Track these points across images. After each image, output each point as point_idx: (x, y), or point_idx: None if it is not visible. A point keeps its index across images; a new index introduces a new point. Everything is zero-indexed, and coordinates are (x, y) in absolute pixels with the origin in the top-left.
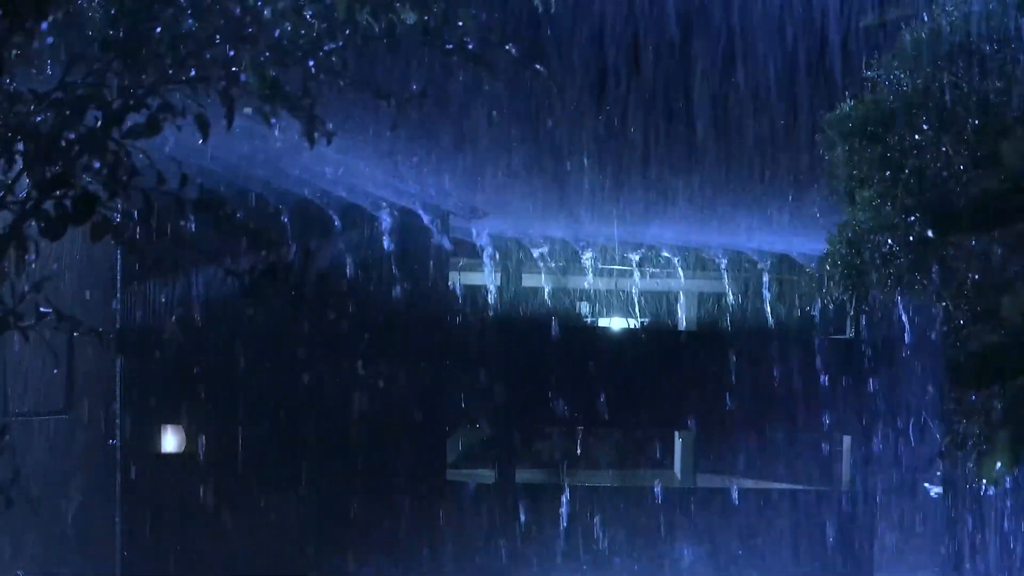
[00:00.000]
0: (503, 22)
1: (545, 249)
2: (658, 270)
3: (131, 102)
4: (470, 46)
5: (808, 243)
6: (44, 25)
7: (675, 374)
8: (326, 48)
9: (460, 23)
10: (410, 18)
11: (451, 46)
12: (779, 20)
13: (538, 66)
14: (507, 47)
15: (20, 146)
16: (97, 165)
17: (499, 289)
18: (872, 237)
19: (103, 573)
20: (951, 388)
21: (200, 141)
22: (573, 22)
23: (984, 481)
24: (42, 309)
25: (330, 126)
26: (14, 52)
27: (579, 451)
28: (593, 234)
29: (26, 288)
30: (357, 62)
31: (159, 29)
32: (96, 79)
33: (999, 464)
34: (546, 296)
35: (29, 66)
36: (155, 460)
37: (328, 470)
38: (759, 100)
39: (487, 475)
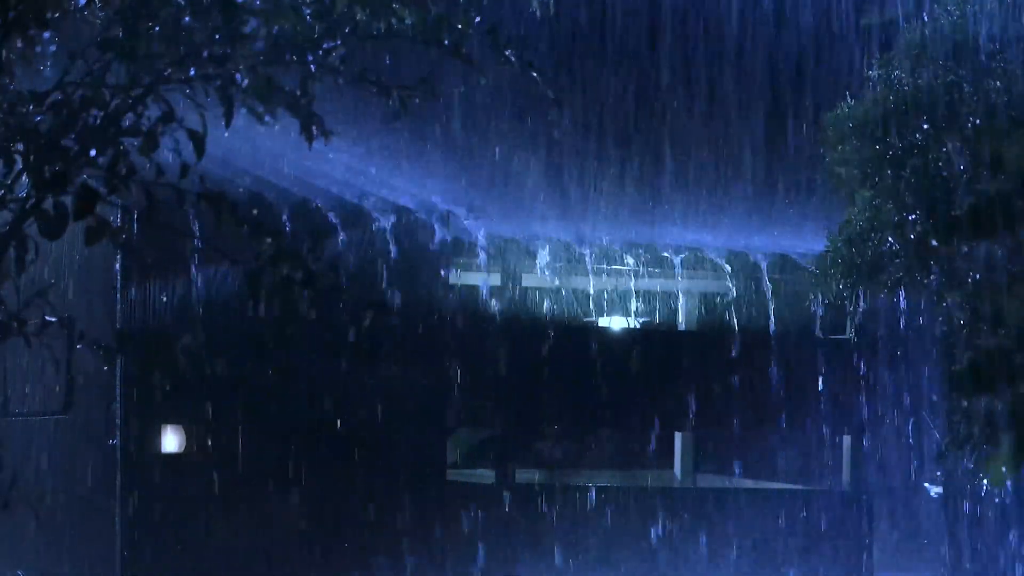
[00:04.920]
0: (503, 23)
1: (545, 249)
2: (658, 270)
3: (130, 101)
4: (468, 46)
5: (808, 243)
6: (45, 26)
7: (675, 374)
8: (325, 47)
9: (459, 25)
10: (409, 18)
11: (448, 43)
12: (779, 19)
13: (535, 73)
14: (507, 52)
15: (20, 146)
16: (95, 156)
17: (499, 289)
18: (872, 236)
19: (103, 573)
20: (952, 389)
21: (196, 158)
22: (574, 22)
23: (986, 483)
24: (47, 318)
25: (330, 125)
26: (13, 53)
27: (579, 451)
28: (593, 234)
29: (29, 294)
30: (356, 60)
31: (158, 29)
32: (95, 79)
33: (1002, 468)
34: (546, 296)
35: (29, 66)
36: (155, 460)
37: (328, 470)
38: (759, 99)
39: (487, 475)
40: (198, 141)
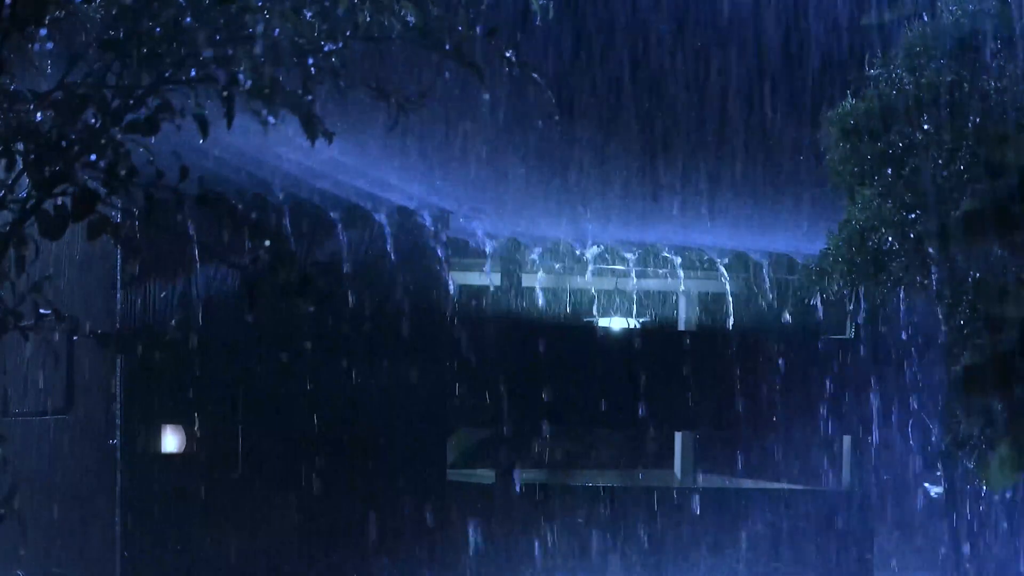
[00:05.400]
0: (503, 25)
1: (545, 249)
2: (658, 270)
3: (131, 102)
4: (468, 47)
5: (809, 242)
6: (44, 24)
7: (675, 374)
8: (326, 49)
9: (460, 27)
10: (411, 20)
11: (449, 47)
12: (780, 18)
13: (535, 75)
14: (507, 54)
15: (20, 146)
16: (95, 160)
17: (499, 289)
18: (872, 235)
19: (103, 573)
20: (952, 389)
21: (200, 140)
22: (573, 22)
23: (987, 488)
24: (42, 311)
25: (330, 125)
26: (14, 52)
27: (579, 451)
28: (593, 234)
29: (24, 288)
30: (357, 62)
31: (159, 29)
32: (96, 79)
33: (1002, 471)
34: (546, 296)
35: (29, 66)
36: (155, 460)
37: (328, 470)
38: (760, 98)
39: (487, 475)
40: (203, 124)
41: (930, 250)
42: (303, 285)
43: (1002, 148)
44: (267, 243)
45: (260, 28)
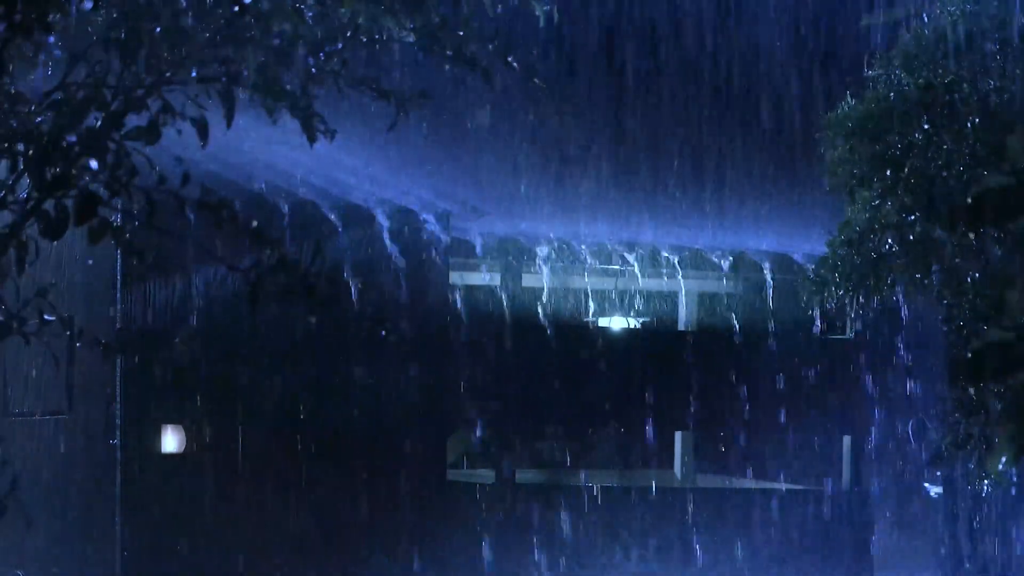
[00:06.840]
0: (504, 28)
1: (545, 249)
2: (658, 270)
3: (131, 102)
4: (470, 51)
5: (808, 243)
6: (46, 24)
7: (675, 374)
8: (327, 50)
9: (460, 31)
10: (411, 23)
11: (450, 52)
12: (779, 19)
13: (535, 80)
14: (508, 58)
15: (21, 146)
16: (97, 165)
17: (499, 289)
18: (872, 236)
19: (103, 573)
20: (952, 387)
21: (200, 145)
22: (573, 21)
23: (986, 479)
24: (46, 317)
25: (330, 125)
26: (16, 56)
27: (579, 451)
28: (593, 234)
29: (28, 293)
30: (357, 64)
31: (159, 29)
32: (96, 80)
33: (1001, 461)
34: (546, 296)
35: (29, 66)
36: (155, 460)
37: (328, 470)
38: (759, 99)
39: (487, 475)
40: (203, 129)
41: (935, 234)
42: (304, 290)
43: (1005, 137)
44: (268, 251)
45: (261, 29)
